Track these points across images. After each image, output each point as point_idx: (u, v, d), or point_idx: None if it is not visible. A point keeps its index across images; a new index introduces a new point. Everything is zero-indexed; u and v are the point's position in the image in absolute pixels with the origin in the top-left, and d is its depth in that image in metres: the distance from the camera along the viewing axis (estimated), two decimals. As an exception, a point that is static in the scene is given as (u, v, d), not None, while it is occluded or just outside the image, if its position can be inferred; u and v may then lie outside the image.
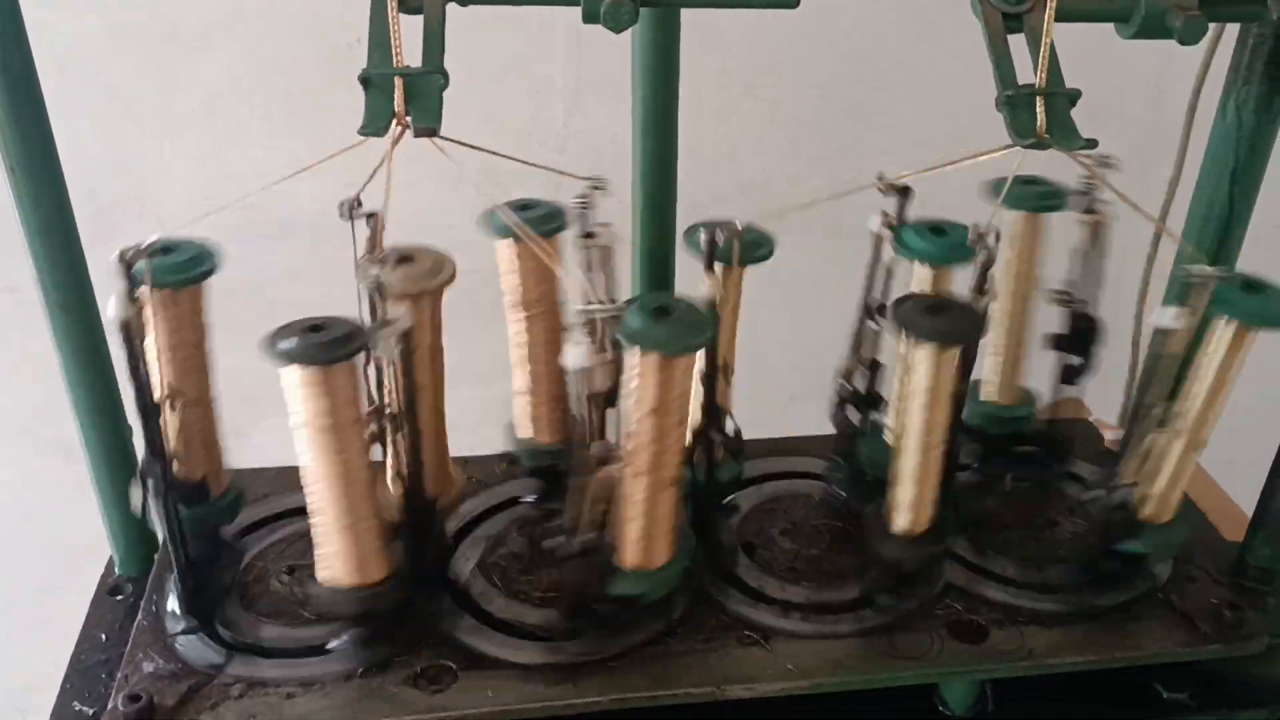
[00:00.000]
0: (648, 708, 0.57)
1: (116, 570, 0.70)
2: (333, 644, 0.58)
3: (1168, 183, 1.05)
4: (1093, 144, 0.52)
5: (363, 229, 0.54)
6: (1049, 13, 0.52)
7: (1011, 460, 0.72)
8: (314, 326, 0.52)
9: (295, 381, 0.52)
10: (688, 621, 0.60)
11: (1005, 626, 0.61)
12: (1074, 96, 0.53)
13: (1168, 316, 0.57)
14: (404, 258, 0.57)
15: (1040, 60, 0.52)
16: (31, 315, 1.19)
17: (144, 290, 0.54)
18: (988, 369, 0.71)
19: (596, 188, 0.60)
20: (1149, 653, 0.60)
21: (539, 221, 0.61)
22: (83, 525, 1.27)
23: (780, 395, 1.25)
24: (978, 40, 0.56)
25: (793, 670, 0.58)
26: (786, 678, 0.58)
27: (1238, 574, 0.67)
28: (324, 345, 0.51)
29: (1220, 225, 0.67)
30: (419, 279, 0.57)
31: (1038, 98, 0.52)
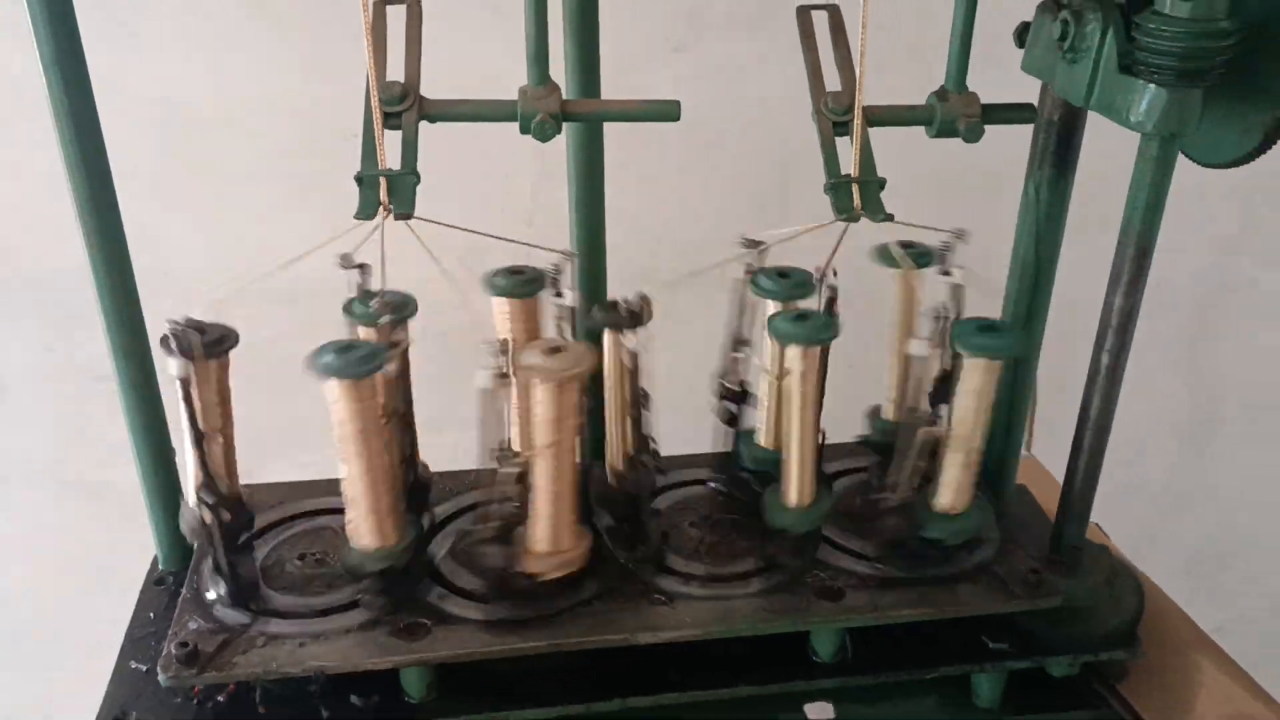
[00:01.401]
0: (583, 652, 0.74)
1: (160, 566, 0.87)
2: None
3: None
4: (890, 217, 0.70)
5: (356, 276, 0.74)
6: (860, 121, 0.71)
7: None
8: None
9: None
10: (612, 589, 0.78)
11: (859, 590, 0.78)
12: (882, 183, 0.71)
13: (918, 347, 0.76)
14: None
15: (855, 156, 0.71)
16: (63, 371, 1.37)
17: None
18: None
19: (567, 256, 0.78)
20: (968, 606, 0.77)
21: (525, 283, 0.79)
22: (98, 557, 1.44)
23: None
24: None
25: (689, 622, 0.75)
26: (683, 627, 0.75)
27: (1052, 549, 0.84)
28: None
29: (1032, 281, 0.85)
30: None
31: (854, 184, 0.71)
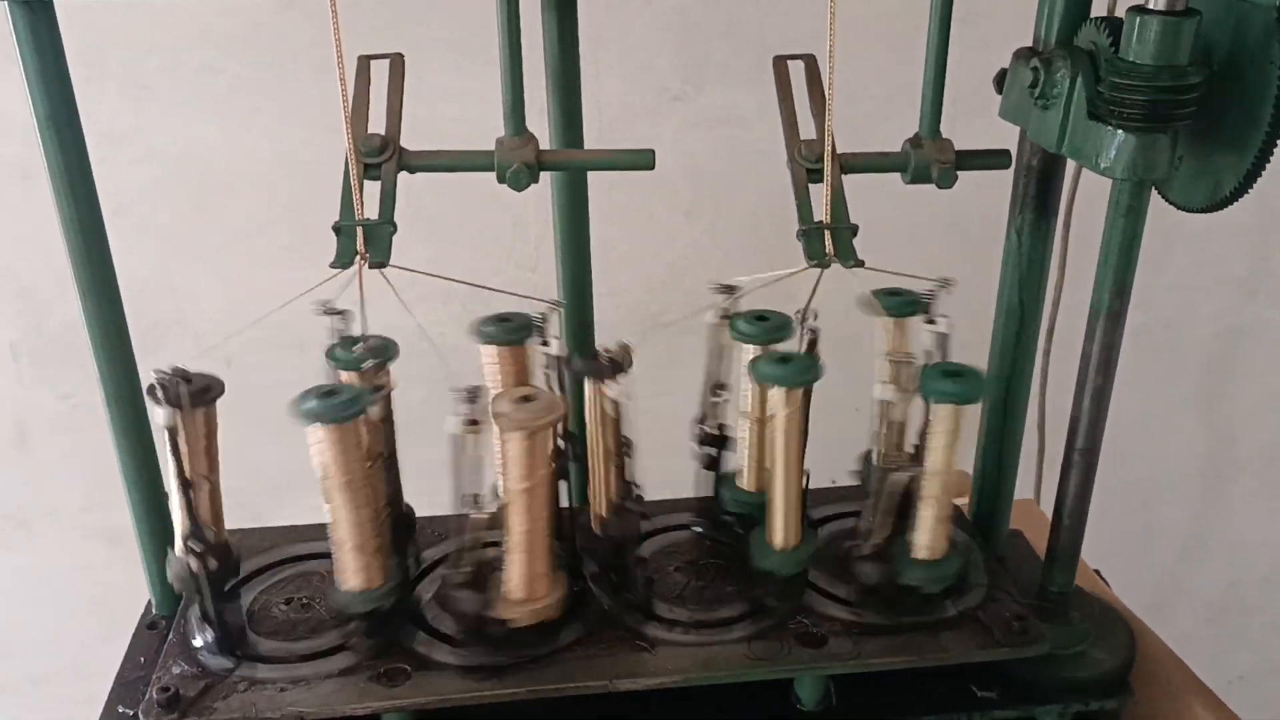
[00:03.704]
0: (565, 697, 0.74)
1: (154, 610, 0.88)
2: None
3: (1054, 287, 1.25)
4: (860, 263, 0.70)
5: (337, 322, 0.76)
6: (835, 167, 0.72)
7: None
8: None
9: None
10: (593, 634, 0.78)
11: (842, 636, 0.78)
12: (854, 229, 0.72)
13: (886, 392, 0.76)
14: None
15: (826, 203, 0.71)
16: (84, 419, 1.40)
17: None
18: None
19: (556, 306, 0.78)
20: (951, 654, 0.77)
21: (513, 330, 0.80)
22: (119, 600, 1.46)
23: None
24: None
25: (670, 669, 0.75)
26: (664, 674, 0.75)
27: (1039, 596, 0.83)
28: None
29: (1016, 324, 0.85)
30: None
31: (826, 230, 0.71)
